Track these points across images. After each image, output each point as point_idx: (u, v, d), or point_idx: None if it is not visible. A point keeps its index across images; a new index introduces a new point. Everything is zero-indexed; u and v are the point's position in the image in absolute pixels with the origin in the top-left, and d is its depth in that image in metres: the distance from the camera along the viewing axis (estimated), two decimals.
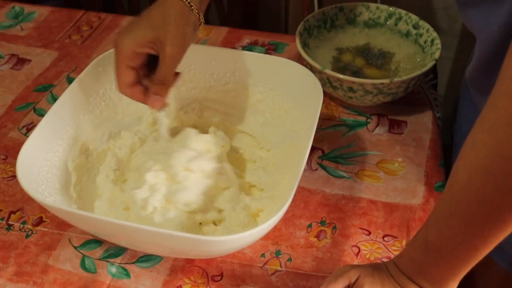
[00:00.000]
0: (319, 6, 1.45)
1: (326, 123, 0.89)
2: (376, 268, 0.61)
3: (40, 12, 1.15)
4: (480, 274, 0.78)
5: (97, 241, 0.73)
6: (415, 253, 0.59)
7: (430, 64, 0.85)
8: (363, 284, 0.60)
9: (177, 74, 0.71)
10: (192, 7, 0.67)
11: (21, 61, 1.02)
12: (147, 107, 0.83)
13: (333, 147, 0.85)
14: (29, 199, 0.71)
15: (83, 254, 0.72)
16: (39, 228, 0.75)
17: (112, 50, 0.80)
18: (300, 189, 0.79)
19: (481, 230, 0.51)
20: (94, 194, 0.75)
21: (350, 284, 0.61)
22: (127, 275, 0.70)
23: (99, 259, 0.71)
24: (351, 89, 0.85)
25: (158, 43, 0.67)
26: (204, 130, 0.82)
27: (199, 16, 0.68)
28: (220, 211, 0.73)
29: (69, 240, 0.73)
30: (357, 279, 0.61)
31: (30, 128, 0.89)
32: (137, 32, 0.67)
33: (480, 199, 0.50)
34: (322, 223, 0.75)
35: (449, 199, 0.54)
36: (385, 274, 0.61)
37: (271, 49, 1.04)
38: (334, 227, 0.74)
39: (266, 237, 0.72)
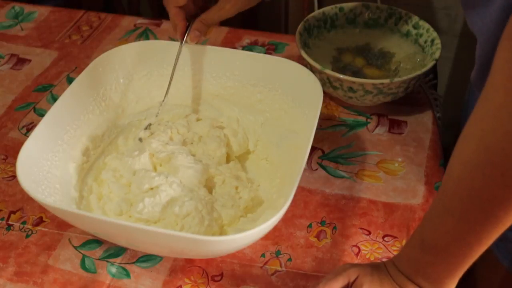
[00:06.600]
0: (319, 6, 1.45)
1: (326, 123, 0.89)
2: (375, 268, 0.62)
3: (40, 12, 1.15)
4: (481, 273, 0.77)
5: (97, 241, 0.73)
6: (412, 252, 0.59)
7: (430, 64, 0.85)
8: (362, 284, 0.60)
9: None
10: None
11: (21, 61, 1.02)
12: (147, 108, 0.84)
13: (333, 147, 0.85)
14: (29, 199, 0.71)
15: (83, 254, 0.72)
16: (39, 228, 0.75)
17: (111, 50, 0.81)
18: (300, 189, 0.79)
19: (473, 226, 0.51)
20: (94, 194, 0.75)
21: (349, 283, 0.61)
22: (127, 275, 0.70)
23: (99, 259, 0.71)
24: (351, 89, 0.85)
25: None
26: (203, 131, 0.82)
27: None
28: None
29: (69, 240, 0.73)
30: (356, 278, 0.61)
31: (30, 128, 0.89)
32: None
33: (470, 194, 0.50)
34: (322, 223, 0.75)
35: (442, 195, 0.54)
36: (384, 273, 0.61)
37: (271, 49, 1.03)
38: (334, 227, 0.74)
39: (266, 237, 0.72)
